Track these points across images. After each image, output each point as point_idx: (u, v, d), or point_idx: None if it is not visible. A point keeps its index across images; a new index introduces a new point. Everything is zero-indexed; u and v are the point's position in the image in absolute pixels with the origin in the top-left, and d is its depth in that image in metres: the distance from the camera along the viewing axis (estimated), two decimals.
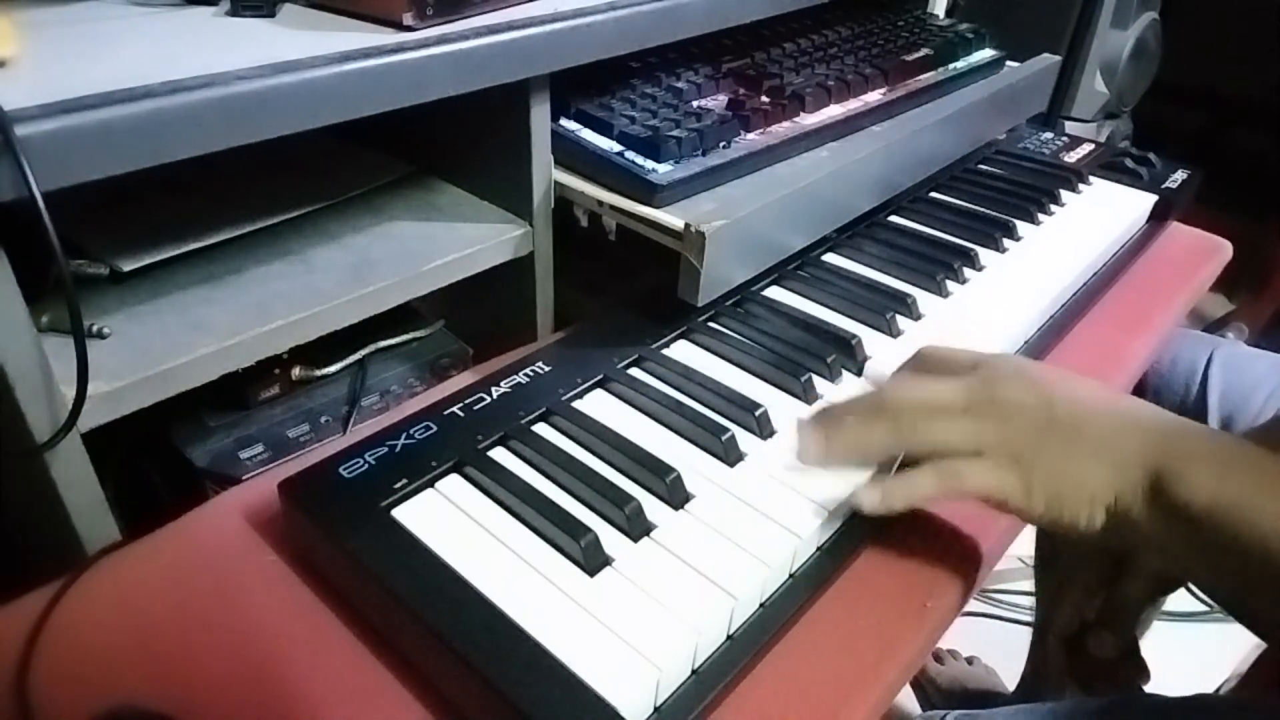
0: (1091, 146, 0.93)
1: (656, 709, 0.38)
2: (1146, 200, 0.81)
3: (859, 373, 0.58)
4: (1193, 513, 0.40)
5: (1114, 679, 0.58)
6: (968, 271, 0.69)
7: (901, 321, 0.62)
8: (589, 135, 0.64)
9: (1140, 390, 0.80)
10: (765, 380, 0.56)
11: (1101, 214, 0.78)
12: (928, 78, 0.82)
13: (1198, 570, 0.43)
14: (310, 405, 0.64)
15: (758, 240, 0.61)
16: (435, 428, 0.50)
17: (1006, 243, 0.73)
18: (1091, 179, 0.85)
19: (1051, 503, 0.43)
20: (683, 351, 0.59)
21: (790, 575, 0.45)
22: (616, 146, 0.63)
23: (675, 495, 0.46)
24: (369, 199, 0.68)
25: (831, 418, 0.49)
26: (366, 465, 0.47)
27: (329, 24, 0.54)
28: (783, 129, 0.68)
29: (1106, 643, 0.58)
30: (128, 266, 0.55)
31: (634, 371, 0.56)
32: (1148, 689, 0.57)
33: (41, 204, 0.38)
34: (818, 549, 0.46)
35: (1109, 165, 0.87)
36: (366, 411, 0.65)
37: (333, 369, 0.66)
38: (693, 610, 0.40)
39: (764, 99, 0.71)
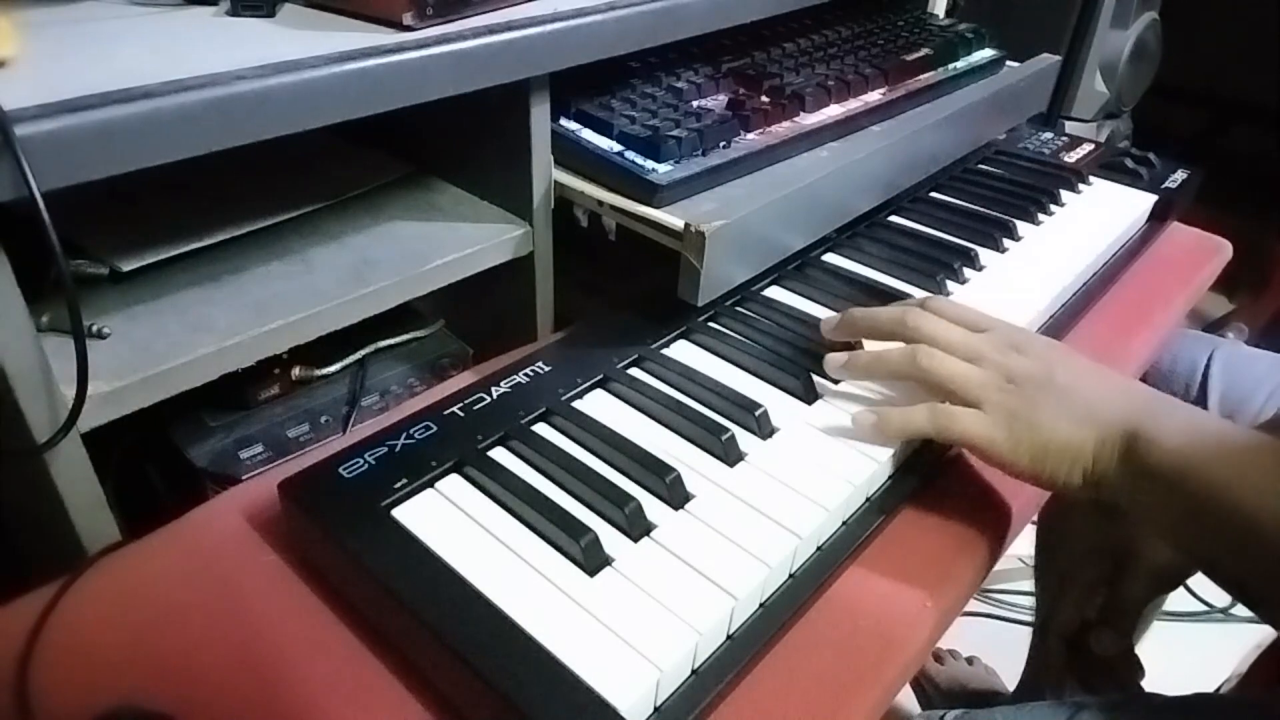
0: (1091, 146, 0.93)
1: (656, 709, 0.38)
2: (1146, 200, 0.81)
3: None
4: (1158, 473, 0.42)
5: (1113, 677, 0.58)
6: (968, 271, 0.69)
7: None
8: (589, 135, 0.64)
9: None
10: (765, 380, 0.56)
11: (1101, 214, 0.78)
12: (928, 78, 0.82)
13: (1177, 535, 0.45)
14: (310, 405, 0.64)
15: (758, 240, 0.61)
16: (435, 428, 0.50)
17: (1006, 243, 0.73)
18: (1091, 179, 0.85)
19: (1035, 458, 0.46)
20: (683, 351, 0.59)
21: (790, 575, 0.45)
22: (616, 146, 0.63)
23: (675, 495, 0.46)
24: (369, 199, 0.68)
25: (851, 322, 0.55)
26: (366, 465, 0.47)
27: (329, 24, 0.54)
28: (783, 129, 0.68)
29: (1107, 640, 0.58)
30: (128, 266, 0.55)
31: (634, 371, 0.56)
32: (1147, 688, 0.57)
33: (41, 204, 0.39)
34: (818, 549, 0.46)
35: (1109, 165, 0.87)
36: (366, 411, 0.65)
37: (333, 369, 0.66)
38: (693, 610, 0.40)
39: (764, 99, 0.71)
